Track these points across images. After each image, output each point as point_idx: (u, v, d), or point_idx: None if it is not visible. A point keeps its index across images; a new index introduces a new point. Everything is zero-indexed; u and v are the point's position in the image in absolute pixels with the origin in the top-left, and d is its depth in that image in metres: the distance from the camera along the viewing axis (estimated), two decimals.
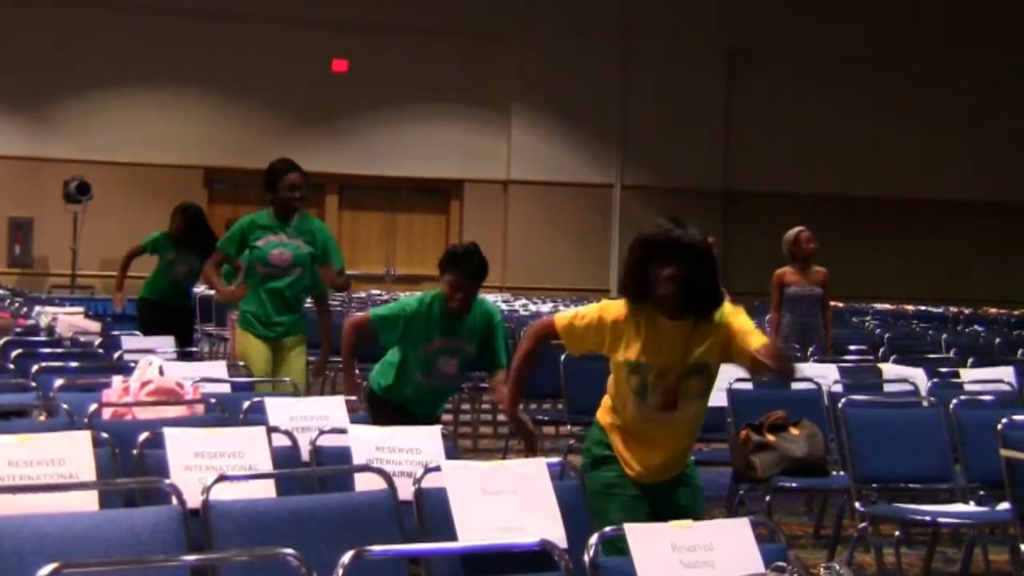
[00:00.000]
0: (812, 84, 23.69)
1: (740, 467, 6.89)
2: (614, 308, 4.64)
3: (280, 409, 5.60)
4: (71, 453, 4.21)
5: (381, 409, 6.37)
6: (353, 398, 6.10)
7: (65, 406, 5.38)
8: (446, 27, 22.24)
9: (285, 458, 4.84)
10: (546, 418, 9.55)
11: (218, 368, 7.18)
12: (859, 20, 23.75)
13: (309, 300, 8.27)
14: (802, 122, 23.56)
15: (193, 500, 3.85)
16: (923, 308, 19.45)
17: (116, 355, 7.64)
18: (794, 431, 6.93)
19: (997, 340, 12.48)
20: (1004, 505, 5.95)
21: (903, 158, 24.00)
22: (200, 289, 13.76)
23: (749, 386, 7.41)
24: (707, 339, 4.57)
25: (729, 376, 6.84)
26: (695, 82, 23.06)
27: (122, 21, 20.85)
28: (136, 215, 19.05)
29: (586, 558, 3.44)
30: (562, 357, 8.26)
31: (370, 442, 4.94)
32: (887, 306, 20.06)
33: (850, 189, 23.67)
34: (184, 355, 8.48)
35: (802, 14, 23.53)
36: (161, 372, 6.00)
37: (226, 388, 6.70)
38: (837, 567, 3.42)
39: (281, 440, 4.94)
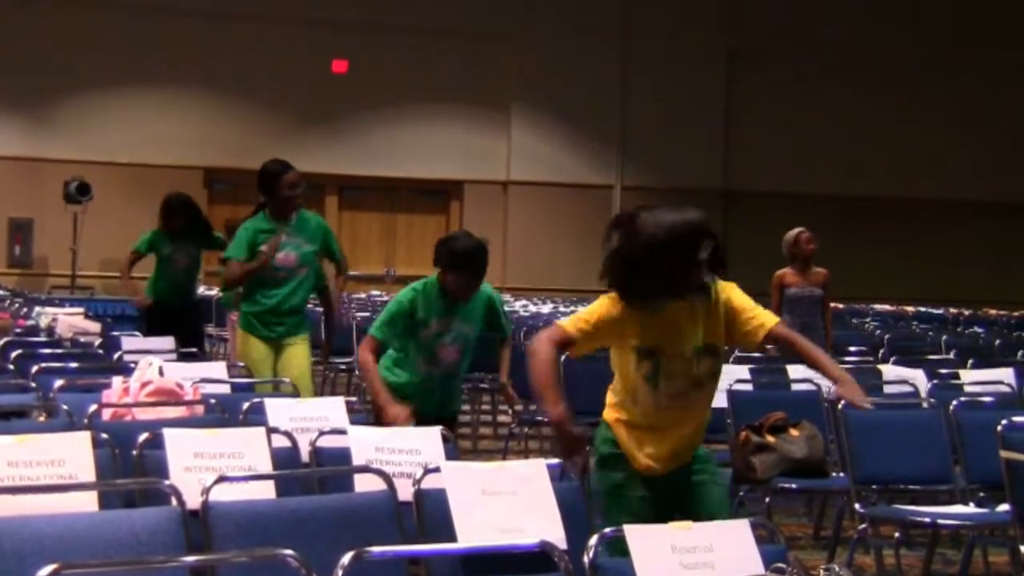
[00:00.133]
0: (812, 84, 23.70)
1: (740, 468, 6.88)
2: (616, 299, 4.60)
3: (280, 410, 5.60)
4: (71, 454, 4.21)
5: None
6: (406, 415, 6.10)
7: (65, 407, 5.37)
8: (446, 27, 22.24)
9: (285, 459, 4.84)
10: (545, 419, 9.53)
11: (218, 369, 7.18)
12: (859, 20, 23.75)
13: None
14: (802, 122, 23.56)
15: (193, 501, 3.85)
16: (923, 309, 19.44)
17: (116, 356, 7.63)
18: (794, 432, 6.92)
19: (997, 341, 12.50)
20: (1004, 507, 5.94)
21: (903, 158, 24.00)
22: (200, 289, 13.73)
23: (749, 387, 7.41)
24: (710, 317, 4.55)
25: (729, 377, 6.84)
26: (695, 82, 23.07)
27: (122, 21, 20.85)
28: (136, 215, 18.98)
29: (586, 559, 3.43)
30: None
31: (370, 443, 4.94)
32: (887, 307, 20.06)
33: (850, 189, 23.68)
34: (188, 356, 8.44)
35: (802, 14, 23.53)
36: (161, 373, 6.00)
37: (226, 389, 6.70)
38: (837, 568, 3.42)
39: (281, 441, 4.93)
